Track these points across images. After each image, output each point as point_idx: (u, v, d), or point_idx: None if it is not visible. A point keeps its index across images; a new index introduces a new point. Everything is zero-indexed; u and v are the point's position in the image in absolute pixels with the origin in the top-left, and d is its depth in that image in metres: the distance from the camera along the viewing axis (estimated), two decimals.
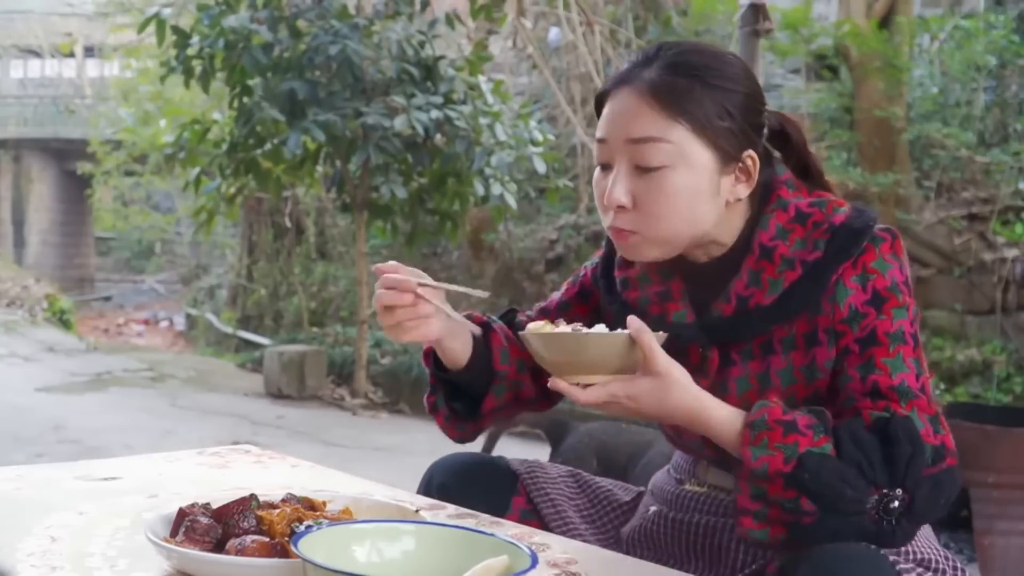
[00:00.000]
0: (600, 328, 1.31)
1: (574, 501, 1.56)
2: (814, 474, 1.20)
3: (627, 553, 1.47)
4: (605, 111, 1.37)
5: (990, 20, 8.13)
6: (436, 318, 1.38)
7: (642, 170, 1.32)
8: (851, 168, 7.94)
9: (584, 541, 1.46)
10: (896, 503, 1.21)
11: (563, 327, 1.31)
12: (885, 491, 1.21)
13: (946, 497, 1.25)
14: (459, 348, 1.46)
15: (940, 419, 1.27)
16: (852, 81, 8.48)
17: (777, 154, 1.45)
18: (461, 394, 1.52)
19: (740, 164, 1.35)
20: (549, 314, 1.56)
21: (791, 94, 9.08)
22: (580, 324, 1.33)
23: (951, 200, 7.86)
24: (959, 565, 1.37)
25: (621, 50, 8.35)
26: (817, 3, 10.93)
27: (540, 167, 6.87)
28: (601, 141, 1.37)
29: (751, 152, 1.35)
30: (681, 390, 1.26)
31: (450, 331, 1.43)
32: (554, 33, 9.96)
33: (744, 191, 1.36)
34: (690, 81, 1.32)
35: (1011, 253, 7.28)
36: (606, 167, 1.36)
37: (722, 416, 1.27)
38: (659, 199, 1.32)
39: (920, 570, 1.31)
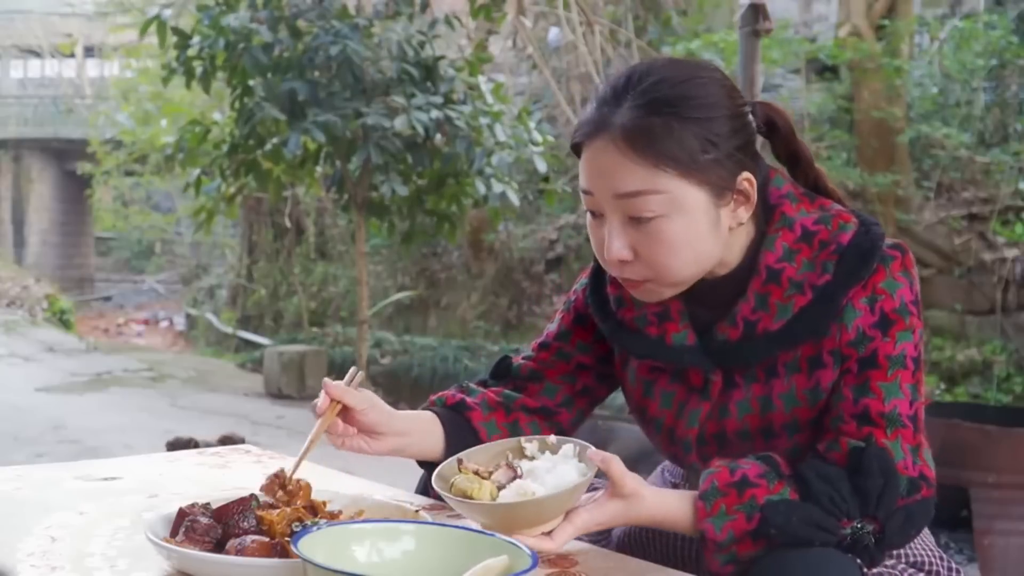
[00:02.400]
0: (544, 485, 1.21)
1: None
2: (781, 527, 1.19)
3: None
4: (584, 162, 1.30)
5: (989, 20, 8.13)
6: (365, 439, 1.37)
7: (636, 221, 1.27)
8: (850, 168, 7.94)
9: (577, 540, 1.42)
10: (867, 537, 1.21)
11: (498, 474, 1.23)
12: (856, 523, 1.20)
13: (917, 528, 1.25)
14: (420, 450, 1.42)
15: (922, 451, 1.25)
16: (851, 82, 8.48)
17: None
18: None
19: (736, 189, 1.29)
20: (548, 349, 1.52)
21: (791, 94, 9.08)
22: (501, 470, 1.24)
23: (951, 200, 7.86)
24: (954, 566, 1.37)
25: (621, 50, 8.35)
26: (817, 3, 10.93)
27: (541, 166, 6.87)
28: (587, 192, 1.30)
29: (746, 175, 1.28)
30: (647, 503, 1.23)
31: (399, 446, 1.40)
32: (554, 33, 9.96)
33: (745, 214, 1.30)
34: (666, 120, 1.24)
35: (1011, 253, 7.29)
36: (597, 215, 1.31)
37: (679, 505, 1.25)
38: (660, 249, 1.27)
39: (912, 571, 1.31)
